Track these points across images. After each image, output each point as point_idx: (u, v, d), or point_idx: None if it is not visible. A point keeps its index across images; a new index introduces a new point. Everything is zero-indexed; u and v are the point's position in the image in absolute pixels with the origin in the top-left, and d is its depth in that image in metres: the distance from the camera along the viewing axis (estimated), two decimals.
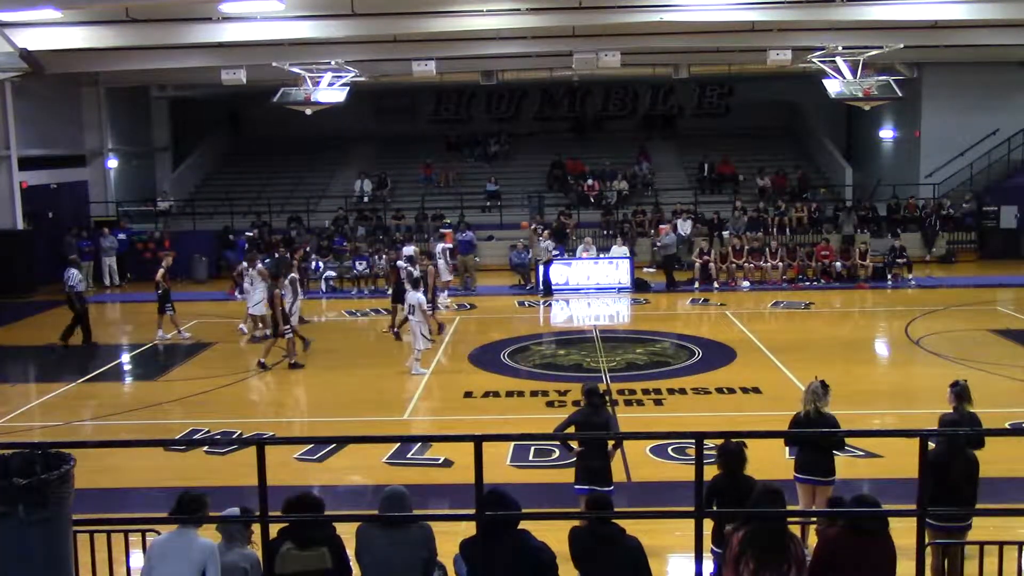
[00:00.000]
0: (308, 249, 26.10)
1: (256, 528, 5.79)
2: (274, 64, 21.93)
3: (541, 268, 23.33)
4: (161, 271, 18.49)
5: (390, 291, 22.51)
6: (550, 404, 13.65)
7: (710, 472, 6.89)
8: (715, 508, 6.86)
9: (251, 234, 27.30)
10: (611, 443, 8.85)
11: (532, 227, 25.58)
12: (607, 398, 11.89)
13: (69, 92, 27.71)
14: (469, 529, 5.73)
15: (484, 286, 24.56)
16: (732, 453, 7.04)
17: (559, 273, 23.61)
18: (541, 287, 23.27)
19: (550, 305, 22.42)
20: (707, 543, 6.39)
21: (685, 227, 26.95)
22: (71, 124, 28.06)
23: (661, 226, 25.80)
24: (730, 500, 6.72)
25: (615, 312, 22.04)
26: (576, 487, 8.57)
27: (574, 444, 8.91)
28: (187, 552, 5.63)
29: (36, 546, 4.45)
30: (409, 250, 23.59)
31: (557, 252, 24.39)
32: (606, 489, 8.26)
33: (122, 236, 26.69)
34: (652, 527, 7.56)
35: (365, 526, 5.94)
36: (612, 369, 15.73)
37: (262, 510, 5.47)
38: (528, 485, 9.88)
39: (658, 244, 24.83)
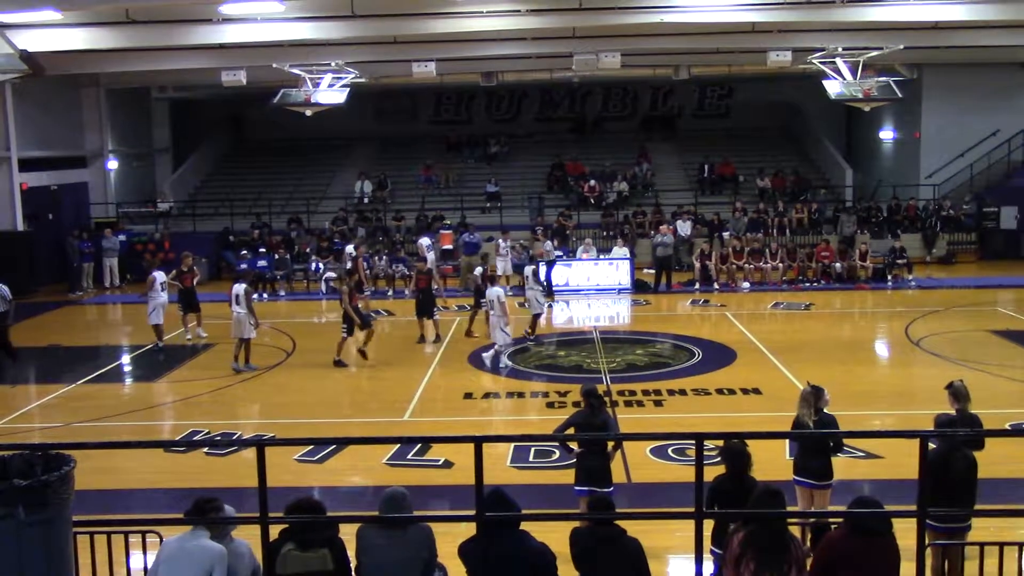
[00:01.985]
0: (309, 249, 26.08)
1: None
2: (274, 65, 21.94)
3: (543, 269, 23.28)
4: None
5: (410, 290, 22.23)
6: (550, 405, 13.66)
7: (710, 473, 6.88)
8: (716, 509, 6.85)
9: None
10: (611, 444, 8.85)
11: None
12: (607, 399, 11.90)
13: (69, 93, 27.73)
14: (469, 530, 5.73)
15: None
16: (737, 453, 7.02)
17: (559, 274, 23.61)
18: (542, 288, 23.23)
19: (550, 306, 22.40)
20: (707, 544, 6.39)
21: (685, 228, 26.94)
22: (71, 125, 28.07)
23: (660, 226, 25.75)
24: (734, 501, 6.69)
25: (615, 313, 22.04)
26: (576, 488, 8.57)
27: (574, 445, 8.91)
28: (196, 555, 5.64)
29: (36, 547, 4.46)
30: (426, 241, 23.51)
31: (560, 254, 24.36)
32: (606, 490, 8.26)
33: (122, 238, 26.69)
34: (652, 528, 7.54)
35: (365, 527, 5.94)
36: (612, 370, 15.73)
37: (262, 511, 5.47)
38: (528, 486, 9.88)
39: (656, 243, 24.60)
